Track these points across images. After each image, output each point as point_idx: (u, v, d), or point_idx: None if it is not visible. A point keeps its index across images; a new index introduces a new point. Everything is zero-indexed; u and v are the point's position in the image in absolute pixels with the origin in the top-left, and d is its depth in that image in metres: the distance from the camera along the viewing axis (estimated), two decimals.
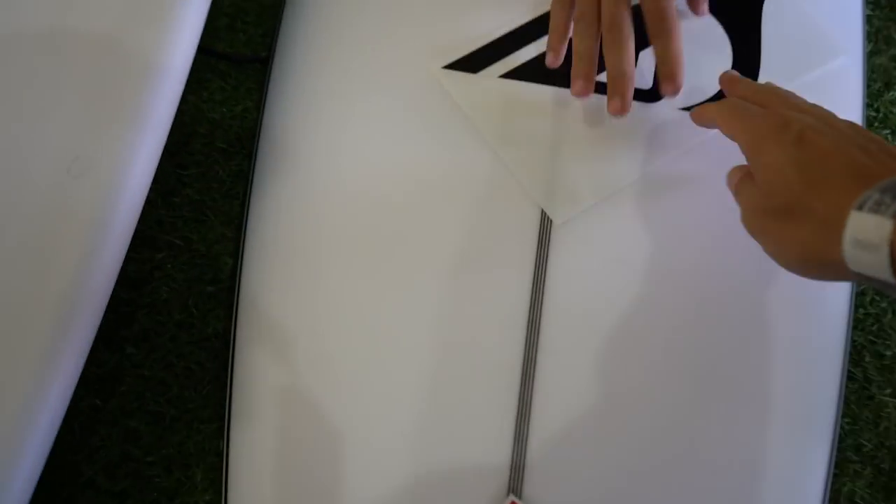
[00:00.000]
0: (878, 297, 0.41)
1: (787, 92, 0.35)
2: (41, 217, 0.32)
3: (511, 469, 0.33)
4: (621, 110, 0.38)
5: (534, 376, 0.35)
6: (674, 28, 0.39)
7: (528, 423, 0.34)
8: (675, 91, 0.39)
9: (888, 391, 0.39)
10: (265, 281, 0.38)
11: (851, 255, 0.26)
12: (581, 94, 0.39)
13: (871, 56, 0.48)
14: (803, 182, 0.29)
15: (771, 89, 0.36)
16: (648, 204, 0.38)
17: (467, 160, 0.40)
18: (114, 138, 0.33)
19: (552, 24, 0.41)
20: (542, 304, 0.36)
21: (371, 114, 0.42)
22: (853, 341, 0.40)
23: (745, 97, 0.36)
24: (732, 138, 0.34)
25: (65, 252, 0.31)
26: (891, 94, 0.47)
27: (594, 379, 0.35)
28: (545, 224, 0.38)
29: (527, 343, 0.35)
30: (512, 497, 0.32)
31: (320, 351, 0.36)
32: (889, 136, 0.46)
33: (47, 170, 0.32)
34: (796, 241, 0.29)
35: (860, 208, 0.26)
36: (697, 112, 0.38)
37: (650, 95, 0.41)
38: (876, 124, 0.47)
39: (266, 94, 0.44)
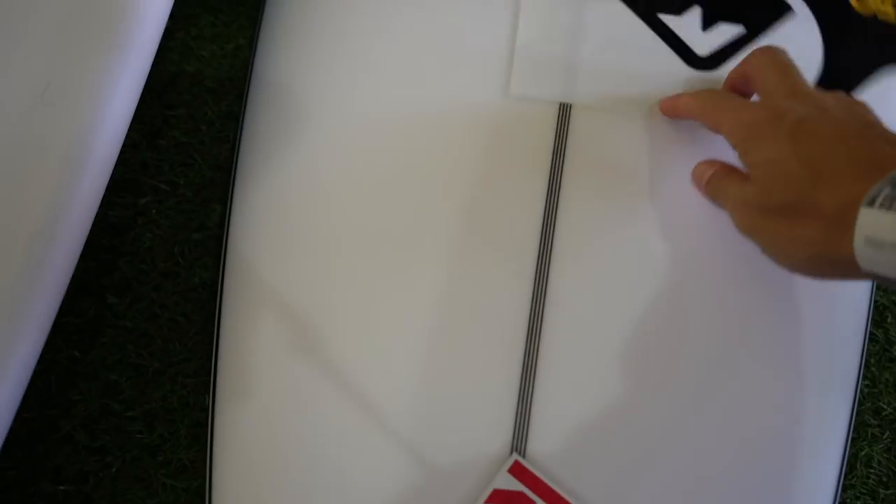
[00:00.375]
0: None
1: (770, 69, 0.32)
2: (10, 148, 0.29)
3: (514, 428, 0.31)
4: None
5: (540, 334, 0.33)
6: None
7: (534, 382, 0.32)
8: None
9: None
10: (255, 230, 0.36)
11: (864, 253, 0.24)
12: None
13: None
14: (808, 177, 0.27)
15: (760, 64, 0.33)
16: (661, 183, 0.36)
17: (476, 111, 0.37)
18: (91, 65, 0.31)
19: None
20: (549, 260, 0.34)
21: (371, 55, 0.40)
22: (875, 302, 0.38)
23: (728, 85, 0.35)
24: (717, 132, 0.32)
25: (37, 185, 0.29)
26: None
27: (604, 337, 0.33)
28: (554, 182, 0.36)
29: (533, 300, 0.33)
30: (516, 456, 0.31)
31: (313, 305, 0.34)
32: None
33: (17, 96, 0.29)
34: (804, 240, 0.27)
35: (871, 204, 0.24)
36: (669, 103, 0.36)
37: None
38: None
39: (259, 30, 0.42)
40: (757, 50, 0.33)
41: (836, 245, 0.25)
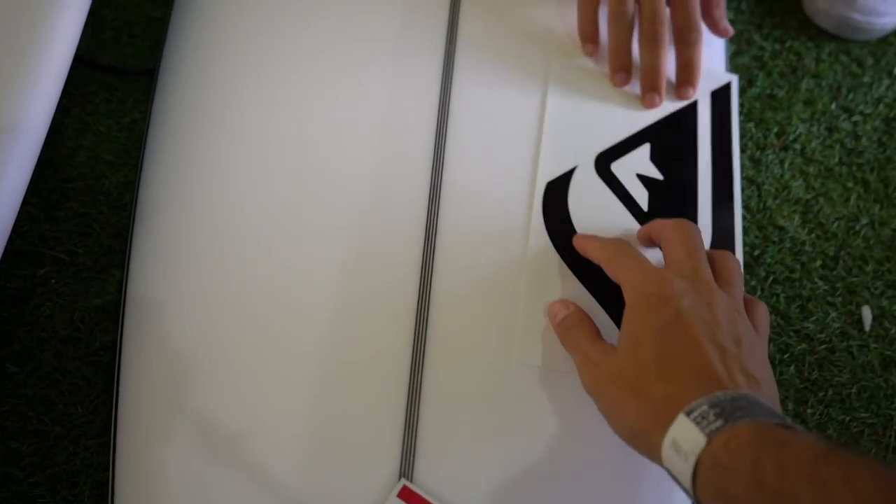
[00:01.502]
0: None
1: (682, 235, 0.36)
2: None
3: (402, 455, 0.35)
4: (659, 103, 0.44)
5: (423, 368, 0.37)
6: (700, 38, 0.45)
7: (418, 413, 0.36)
8: (690, 97, 0.45)
9: None
10: (153, 288, 0.39)
11: (666, 452, 0.29)
12: (622, 84, 0.45)
13: (734, 57, 0.54)
14: (657, 369, 0.31)
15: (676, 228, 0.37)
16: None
17: (348, 176, 0.42)
18: None
19: (582, 16, 0.46)
20: (430, 290, 0.38)
21: (253, 126, 0.44)
22: None
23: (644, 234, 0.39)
24: (615, 281, 0.36)
25: None
26: (753, 90, 0.53)
27: (481, 370, 0.37)
28: (432, 214, 0.41)
29: (416, 329, 0.37)
30: (404, 481, 0.34)
31: (208, 359, 0.37)
32: (753, 128, 0.52)
33: None
34: (632, 415, 0.31)
35: (688, 414, 0.28)
36: (581, 243, 0.39)
37: None
38: (741, 117, 0.52)
39: (152, 104, 0.46)
40: (674, 221, 0.37)
41: (653, 432, 0.29)
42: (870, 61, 0.55)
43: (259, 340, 0.37)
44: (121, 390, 0.37)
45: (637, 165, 0.43)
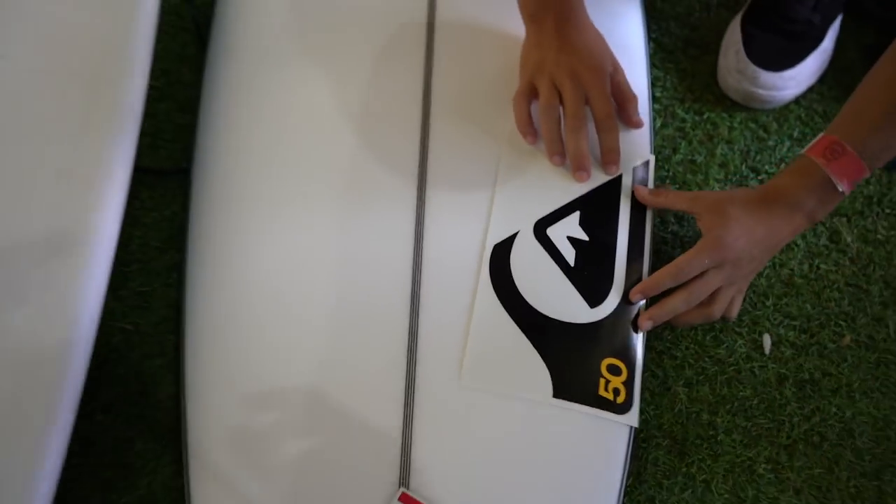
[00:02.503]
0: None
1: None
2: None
3: (400, 465, 0.48)
4: (587, 178, 0.58)
5: (415, 385, 0.50)
6: (615, 127, 0.58)
7: (412, 427, 0.49)
8: (614, 173, 0.59)
9: (681, 383, 0.57)
10: (204, 347, 0.53)
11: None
12: (559, 164, 0.58)
13: (661, 129, 0.68)
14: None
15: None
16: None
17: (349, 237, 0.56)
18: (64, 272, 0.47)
19: (518, 115, 0.59)
20: (419, 306, 0.53)
21: (274, 215, 0.58)
22: (654, 348, 0.58)
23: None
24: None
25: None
26: (676, 156, 0.67)
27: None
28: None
29: (409, 343, 0.51)
30: (402, 489, 0.47)
31: (251, 394, 0.51)
32: (678, 187, 0.65)
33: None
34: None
35: None
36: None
37: None
38: (668, 181, 0.65)
39: (189, 198, 0.59)
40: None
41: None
42: (774, 126, 0.69)
43: (312, 391, 0.51)
44: (188, 428, 0.50)
45: (568, 229, 0.57)
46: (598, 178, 0.59)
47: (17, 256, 0.47)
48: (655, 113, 0.68)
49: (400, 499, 0.47)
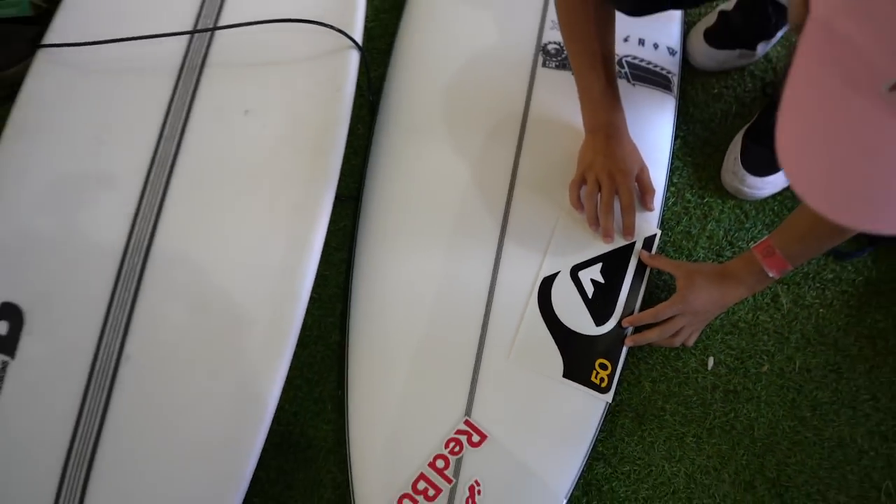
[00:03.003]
0: None
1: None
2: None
3: (467, 401, 0.83)
4: (611, 242, 0.90)
5: (483, 353, 0.85)
6: (633, 212, 0.90)
7: (480, 363, 0.84)
8: (630, 241, 0.91)
9: (648, 380, 0.90)
10: (362, 315, 0.89)
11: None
12: (594, 231, 0.91)
13: (671, 205, 0.98)
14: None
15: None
16: None
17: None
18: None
19: (571, 196, 0.92)
20: (492, 305, 0.86)
21: (409, 235, 0.92)
22: (635, 354, 0.90)
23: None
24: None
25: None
26: (679, 227, 0.97)
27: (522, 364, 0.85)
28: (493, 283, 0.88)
29: (481, 335, 0.85)
30: (466, 417, 0.82)
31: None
32: (672, 251, 0.96)
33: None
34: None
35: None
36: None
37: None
38: (668, 244, 0.96)
39: (357, 216, 0.94)
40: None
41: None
42: (752, 213, 0.98)
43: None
44: (348, 362, 0.86)
45: (592, 273, 0.89)
46: (619, 242, 0.91)
47: (268, 253, 0.83)
48: (669, 193, 0.99)
49: (465, 423, 0.82)
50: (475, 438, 0.81)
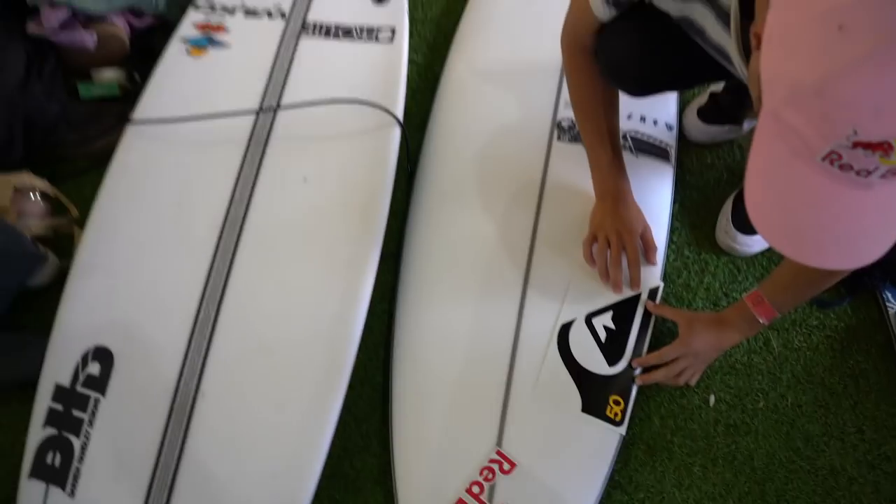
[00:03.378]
0: None
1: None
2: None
3: (498, 432, 0.94)
4: (620, 292, 1.03)
5: (511, 388, 0.97)
6: (639, 266, 1.04)
7: (509, 392, 0.95)
8: (636, 291, 1.04)
9: (657, 416, 1.01)
10: (406, 353, 1.01)
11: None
12: (605, 282, 1.04)
13: (672, 261, 1.11)
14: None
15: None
16: None
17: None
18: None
19: (584, 253, 1.06)
20: (522, 318, 0.98)
21: (442, 288, 1.05)
22: (645, 393, 1.02)
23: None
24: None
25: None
26: (679, 280, 1.10)
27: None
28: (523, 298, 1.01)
29: (508, 371, 0.97)
30: (497, 447, 0.93)
31: None
32: (673, 300, 1.08)
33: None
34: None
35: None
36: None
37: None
38: (670, 295, 1.09)
39: (398, 271, 1.07)
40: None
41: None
42: (744, 268, 1.12)
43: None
44: (392, 359, 0.98)
45: (604, 321, 1.02)
46: (627, 293, 1.04)
47: (324, 303, 0.96)
48: (670, 251, 1.12)
49: (496, 453, 0.93)
50: (506, 466, 0.92)
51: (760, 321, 0.94)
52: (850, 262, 0.55)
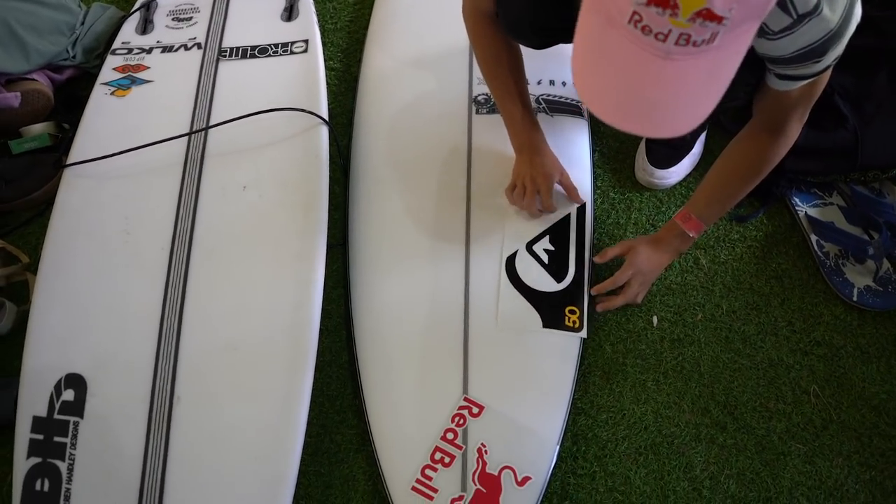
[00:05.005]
0: None
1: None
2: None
3: (463, 380, 1.01)
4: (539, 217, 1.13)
5: (469, 326, 1.04)
6: (551, 207, 1.13)
7: (469, 352, 1.03)
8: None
9: (607, 343, 1.09)
10: (365, 330, 1.07)
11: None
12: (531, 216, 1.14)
13: (600, 204, 1.20)
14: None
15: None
16: None
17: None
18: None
19: (508, 198, 1.14)
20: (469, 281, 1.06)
21: (389, 263, 1.12)
22: (597, 320, 1.10)
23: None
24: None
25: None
26: (609, 220, 1.19)
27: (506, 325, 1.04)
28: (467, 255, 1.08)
29: (464, 310, 1.04)
30: (465, 395, 1.00)
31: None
32: (604, 236, 1.17)
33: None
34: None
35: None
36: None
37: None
38: (604, 236, 1.18)
39: (347, 258, 1.14)
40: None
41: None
42: (666, 200, 1.22)
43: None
44: (355, 341, 1.04)
45: (544, 245, 1.11)
46: (559, 216, 1.13)
47: (280, 296, 1.02)
48: (596, 195, 1.22)
49: (464, 399, 1.00)
50: (475, 410, 0.99)
51: (690, 235, 1.03)
52: (653, 130, 0.66)
